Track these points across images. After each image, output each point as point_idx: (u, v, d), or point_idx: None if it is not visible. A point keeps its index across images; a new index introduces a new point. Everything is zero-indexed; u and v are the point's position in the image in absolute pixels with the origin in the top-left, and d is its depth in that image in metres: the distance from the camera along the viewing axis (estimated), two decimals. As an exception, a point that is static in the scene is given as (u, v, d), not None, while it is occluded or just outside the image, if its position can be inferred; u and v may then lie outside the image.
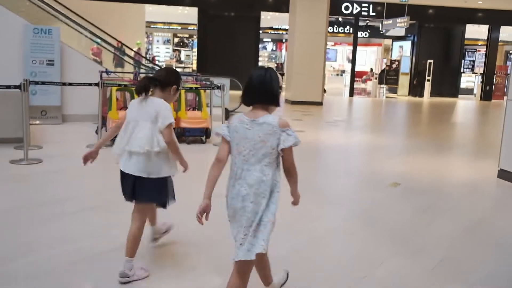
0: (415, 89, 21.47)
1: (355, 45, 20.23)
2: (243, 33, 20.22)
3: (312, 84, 15.42)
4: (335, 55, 33.66)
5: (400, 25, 17.93)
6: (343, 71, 28.17)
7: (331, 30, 26.82)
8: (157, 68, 22.70)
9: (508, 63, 33.58)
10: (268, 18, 23.65)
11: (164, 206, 3.06)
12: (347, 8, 19.71)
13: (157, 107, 2.85)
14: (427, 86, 20.86)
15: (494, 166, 6.34)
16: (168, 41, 29.41)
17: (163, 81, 2.93)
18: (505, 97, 21.49)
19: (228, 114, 8.93)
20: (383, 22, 19.25)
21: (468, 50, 29.20)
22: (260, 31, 29.97)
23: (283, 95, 17.29)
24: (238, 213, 2.32)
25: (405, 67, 22.15)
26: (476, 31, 24.99)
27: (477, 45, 34.09)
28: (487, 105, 19.38)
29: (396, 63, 22.32)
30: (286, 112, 13.71)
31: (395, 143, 8.98)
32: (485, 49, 34.97)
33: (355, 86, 28.92)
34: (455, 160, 7.54)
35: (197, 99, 8.02)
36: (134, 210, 2.98)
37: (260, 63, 26.74)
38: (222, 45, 19.90)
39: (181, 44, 29.23)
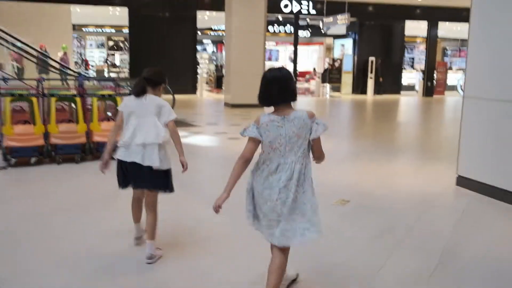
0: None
1: (296, 44, 19.58)
2: (179, 35, 19.12)
3: (252, 86, 14.37)
4: (277, 55, 33.12)
5: (340, 22, 17.40)
6: (285, 71, 27.50)
7: (272, 30, 26.19)
8: (88, 73, 21.61)
9: (446, 59, 34.25)
10: (205, 19, 22.64)
11: (169, 191, 3.31)
12: (286, 6, 19.02)
13: (159, 103, 3.20)
14: (370, 83, 20.51)
15: (450, 172, 5.67)
16: (102, 44, 27.80)
17: (155, 80, 3.26)
18: (445, 92, 21.73)
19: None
20: (324, 20, 18.69)
21: (407, 47, 29.31)
22: (199, 32, 29.14)
23: (222, 98, 16.42)
24: (274, 204, 2.50)
25: (348, 65, 21.73)
26: (414, 28, 25.03)
27: (416, 42, 34.57)
28: (430, 100, 19.22)
29: (339, 61, 21.88)
30: (225, 116, 12.79)
31: (340, 148, 8.21)
32: (424, 46, 35.72)
33: (298, 86, 28.50)
34: (407, 165, 6.84)
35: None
36: (146, 201, 3.27)
37: (200, 66, 25.81)
38: (156, 47, 18.72)
39: (115, 47, 27.68)
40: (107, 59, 26.60)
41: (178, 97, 18.79)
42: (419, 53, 35.60)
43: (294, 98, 2.56)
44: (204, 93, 20.06)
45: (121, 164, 3.23)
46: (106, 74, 23.43)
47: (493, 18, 4.81)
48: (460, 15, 21.63)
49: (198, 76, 19.52)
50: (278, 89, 2.50)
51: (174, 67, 19.17)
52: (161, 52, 18.80)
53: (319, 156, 2.61)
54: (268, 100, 2.57)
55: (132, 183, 3.27)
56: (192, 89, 19.43)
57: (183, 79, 19.44)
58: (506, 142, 4.72)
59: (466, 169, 5.25)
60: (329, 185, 5.34)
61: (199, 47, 32.42)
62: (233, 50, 14.48)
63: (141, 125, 3.15)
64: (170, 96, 10.84)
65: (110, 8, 20.55)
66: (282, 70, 2.58)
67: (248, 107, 14.30)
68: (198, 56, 29.50)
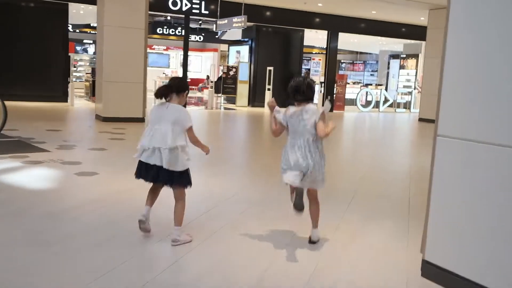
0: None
1: (186, 47, 17.20)
2: (46, 31, 15.89)
3: (130, 94, 11.94)
4: (168, 60, 30.50)
5: (236, 25, 15.39)
6: (176, 78, 25.01)
7: (161, 32, 23.65)
8: None
9: (341, 72, 33.95)
10: (81, 13, 19.48)
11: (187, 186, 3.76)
12: (175, 3, 16.59)
13: (176, 112, 3.63)
14: (268, 95, 18.74)
15: (403, 250, 3.71)
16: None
17: (178, 87, 3.70)
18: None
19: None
20: (218, 22, 16.57)
21: (303, 58, 28.33)
22: (77, 30, 25.65)
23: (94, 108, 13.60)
24: (297, 165, 3.65)
25: (244, 74, 19.81)
26: (311, 38, 23.92)
27: (312, 53, 33.86)
28: (330, 116, 17.83)
29: (234, 69, 19.89)
30: (91, 133, 10.04)
31: (235, 191, 6.02)
32: (319, 58, 35.17)
33: (191, 95, 26.10)
34: (345, 234, 4.80)
35: None
36: (174, 193, 3.73)
37: (77, 69, 22.36)
38: (15, 43, 15.38)
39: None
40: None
41: (43, 105, 15.73)
42: (315, 65, 35.04)
43: (312, 97, 3.82)
44: (80, 102, 16.96)
45: (141, 164, 3.71)
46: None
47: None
48: (358, 26, 20.76)
49: (69, 81, 16.31)
50: (304, 91, 3.74)
51: (38, 69, 15.94)
52: (21, 50, 15.47)
53: (321, 135, 3.70)
54: (297, 98, 3.76)
55: (150, 179, 3.73)
56: (63, 97, 16.27)
57: (50, 84, 16.21)
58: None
59: (435, 253, 3.29)
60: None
61: (78, 47, 28.81)
62: (105, 51, 11.76)
63: (158, 131, 3.57)
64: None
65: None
66: (306, 79, 3.83)
67: (125, 121, 11.68)
68: (77, 58, 26.05)
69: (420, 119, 16.97)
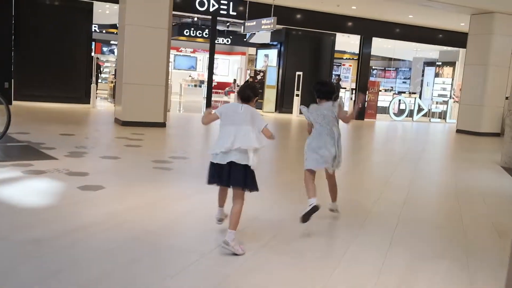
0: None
1: (212, 49, 16.53)
2: (69, 29, 15.48)
3: (151, 98, 11.31)
4: (195, 63, 30.02)
5: (265, 27, 14.67)
6: (202, 82, 24.47)
7: (188, 34, 23.11)
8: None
9: (372, 78, 32.81)
10: (107, 13, 19.06)
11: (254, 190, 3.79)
12: (202, 4, 15.96)
13: (253, 114, 3.75)
14: (296, 101, 17.95)
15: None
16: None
17: (255, 94, 3.86)
18: (377, 115, 19.58)
19: None
20: (246, 24, 15.88)
21: (334, 63, 27.50)
22: (103, 30, 25.30)
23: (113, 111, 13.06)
24: (322, 149, 4.43)
25: (271, 79, 19.06)
26: (342, 43, 23.00)
27: (342, 58, 32.83)
28: (361, 125, 16.90)
29: (261, 74, 19.16)
30: (107, 139, 9.42)
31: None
32: (350, 63, 34.14)
33: (216, 99, 25.48)
34: (391, 280, 4.00)
35: None
36: (235, 194, 3.73)
37: (103, 70, 21.98)
38: (41, 42, 15.00)
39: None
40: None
41: (64, 107, 15.25)
42: (345, 71, 34.03)
43: (332, 96, 4.53)
44: (103, 104, 16.52)
45: (214, 166, 3.73)
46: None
47: None
48: (392, 31, 19.79)
49: (92, 82, 15.86)
50: (325, 92, 4.54)
51: (61, 69, 15.52)
52: (44, 49, 15.06)
53: (345, 121, 4.60)
54: (320, 96, 4.52)
55: (219, 181, 3.77)
56: (86, 98, 15.83)
57: (73, 85, 15.79)
58: None
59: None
60: None
61: (105, 48, 28.54)
62: (126, 52, 11.17)
63: (239, 132, 3.64)
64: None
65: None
66: (328, 81, 5.16)
67: (145, 125, 11.08)
68: (103, 58, 25.75)
69: (458, 131, 15.91)
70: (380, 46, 23.13)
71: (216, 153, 3.68)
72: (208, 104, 16.93)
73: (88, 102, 15.66)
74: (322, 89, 4.53)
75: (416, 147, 12.28)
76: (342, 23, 18.78)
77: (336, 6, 16.78)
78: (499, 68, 15.31)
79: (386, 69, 34.15)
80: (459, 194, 6.68)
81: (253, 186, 3.74)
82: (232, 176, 3.66)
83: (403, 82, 32.38)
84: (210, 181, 3.81)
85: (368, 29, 19.16)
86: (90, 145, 8.11)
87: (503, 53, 15.29)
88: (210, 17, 16.72)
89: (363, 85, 19.35)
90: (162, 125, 11.48)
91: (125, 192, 5.32)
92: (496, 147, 11.84)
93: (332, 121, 4.47)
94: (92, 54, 16.92)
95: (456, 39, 20.25)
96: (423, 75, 25.20)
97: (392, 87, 30.44)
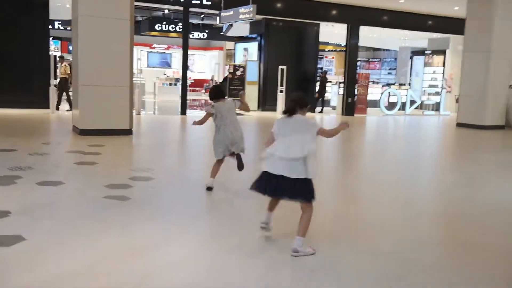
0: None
1: (185, 44, 14.87)
2: (24, 26, 13.70)
3: (113, 101, 9.64)
4: (170, 59, 28.28)
5: (243, 16, 13.09)
6: (178, 80, 22.76)
7: (160, 29, 21.38)
8: None
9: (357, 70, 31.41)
10: (67, 7, 17.20)
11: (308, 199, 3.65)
12: (172, -7, 14.28)
13: (307, 121, 3.72)
14: (280, 98, 16.40)
15: None
16: None
17: (301, 104, 3.75)
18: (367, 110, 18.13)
19: None
20: (221, 14, 14.27)
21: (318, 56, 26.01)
22: (67, 27, 23.40)
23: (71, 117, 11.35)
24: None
25: (252, 74, 17.49)
26: (324, 33, 21.46)
27: (325, 50, 31.31)
28: (352, 121, 15.43)
29: (241, 69, 17.56)
30: (57, 153, 7.59)
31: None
32: (332, 56, 32.70)
33: (193, 97, 23.79)
34: None
35: None
36: (302, 206, 3.64)
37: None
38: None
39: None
40: None
41: (19, 113, 13.33)
42: (328, 63, 32.58)
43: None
44: (66, 108, 14.74)
45: (266, 174, 3.65)
46: None
47: None
48: (380, 19, 18.34)
49: (50, 84, 14.08)
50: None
51: (14, 71, 13.74)
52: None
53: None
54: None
55: (271, 192, 3.69)
56: (46, 102, 14.04)
57: (29, 88, 14.03)
58: None
59: None
60: None
61: (71, 47, 26.60)
62: (81, 48, 9.47)
63: (290, 142, 3.58)
64: None
65: None
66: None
67: (106, 133, 9.40)
68: (70, 58, 23.83)
69: (459, 124, 14.54)
70: (365, 36, 21.68)
71: (268, 165, 3.69)
72: (183, 104, 15.25)
73: (49, 107, 13.88)
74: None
75: (419, 148, 10.83)
76: (326, 11, 17.26)
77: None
78: (502, 55, 13.98)
79: (370, 60, 32.83)
80: (491, 207, 5.23)
81: (307, 196, 3.66)
82: (285, 187, 3.61)
83: (388, 73, 31.09)
84: (258, 188, 3.79)
85: (355, 17, 17.67)
86: (30, 165, 6.41)
87: (506, 38, 13.96)
88: (182, 8, 15.03)
89: (351, 78, 17.85)
90: (128, 132, 9.81)
91: (54, 248, 3.66)
92: (508, 143, 10.44)
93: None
94: (51, 53, 15.09)
95: (448, 25, 18.93)
96: (411, 65, 23.88)
97: (378, 79, 29.13)
